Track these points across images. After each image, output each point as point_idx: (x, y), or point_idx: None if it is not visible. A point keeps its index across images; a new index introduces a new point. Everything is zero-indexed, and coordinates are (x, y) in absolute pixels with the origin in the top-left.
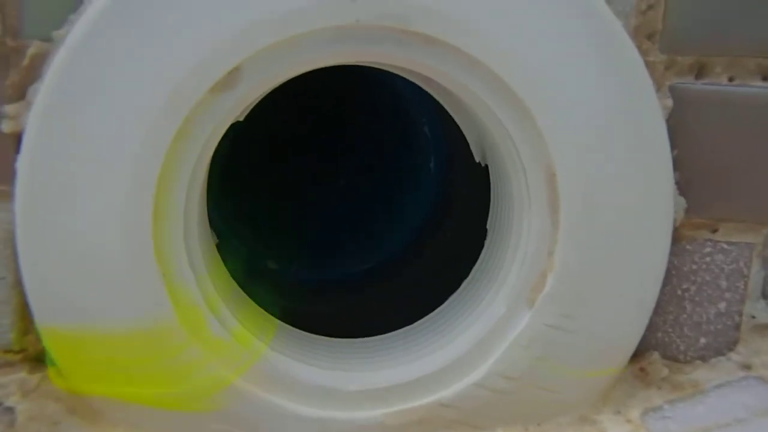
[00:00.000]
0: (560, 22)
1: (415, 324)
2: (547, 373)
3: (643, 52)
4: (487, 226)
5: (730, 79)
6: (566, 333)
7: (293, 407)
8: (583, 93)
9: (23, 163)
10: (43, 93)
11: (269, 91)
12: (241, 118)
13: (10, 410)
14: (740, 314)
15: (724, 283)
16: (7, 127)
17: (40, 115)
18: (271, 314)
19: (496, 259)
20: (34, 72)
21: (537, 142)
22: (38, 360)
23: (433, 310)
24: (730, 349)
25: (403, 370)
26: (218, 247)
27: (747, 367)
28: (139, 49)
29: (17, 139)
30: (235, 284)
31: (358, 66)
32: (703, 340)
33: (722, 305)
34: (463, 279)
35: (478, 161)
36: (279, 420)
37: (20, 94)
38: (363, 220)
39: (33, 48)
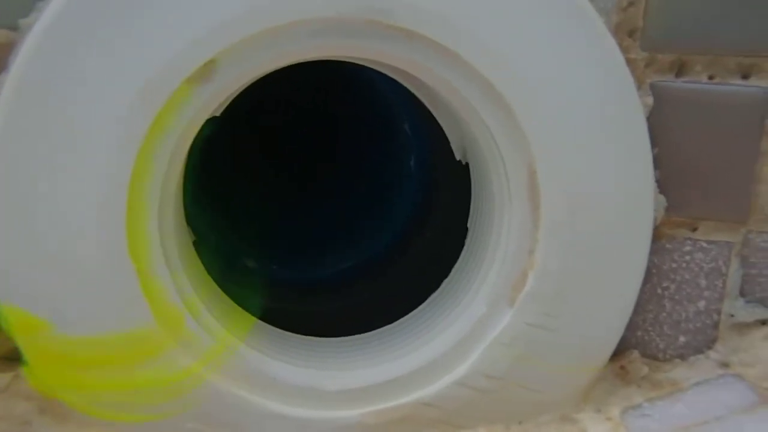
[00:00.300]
0: (543, 20)
1: (396, 323)
2: (528, 371)
3: (624, 50)
4: (468, 225)
5: (711, 78)
6: (547, 331)
7: (271, 406)
8: (564, 90)
9: None
10: (8, 84)
11: (246, 85)
12: (218, 113)
13: None
14: (719, 313)
15: (703, 282)
16: None
17: (7, 107)
18: (250, 313)
19: (476, 257)
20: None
21: (518, 140)
22: (9, 359)
23: (414, 309)
24: (709, 348)
25: (383, 369)
26: (196, 244)
27: (725, 365)
28: (111, 39)
29: None
30: (212, 282)
31: (338, 62)
32: (682, 339)
33: (701, 304)
34: (444, 278)
35: (459, 159)
36: (256, 419)
37: None
38: (343, 218)
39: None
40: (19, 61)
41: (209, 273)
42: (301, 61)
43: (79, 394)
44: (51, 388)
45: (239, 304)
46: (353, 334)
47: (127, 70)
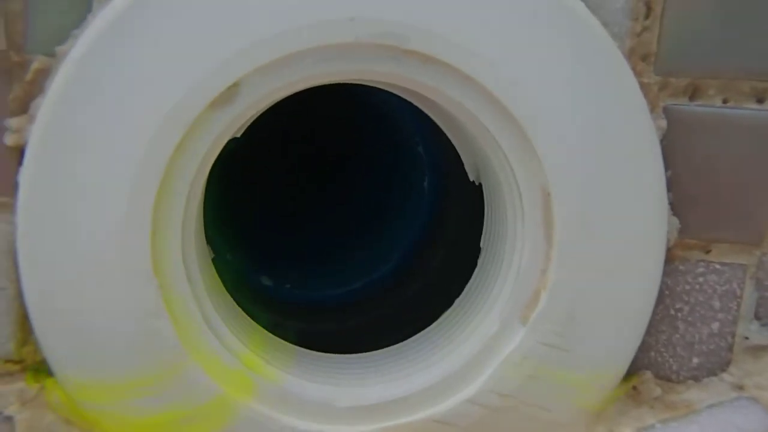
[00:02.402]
0: (557, 45)
1: (408, 340)
2: (540, 390)
3: (638, 74)
4: (481, 245)
5: (724, 101)
6: (559, 351)
7: (285, 421)
8: (578, 113)
9: (25, 176)
10: (45, 107)
11: (266, 108)
12: (239, 135)
13: (9, 419)
14: (733, 335)
15: (717, 304)
16: (10, 140)
17: (42, 129)
18: (264, 329)
19: (489, 276)
20: (37, 86)
21: (532, 162)
22: (37, 370)
23: (427, 327)
24: (723, 370)
25: (395, 386)
26: (214, 261)
27: (740, 387)
28: (140, 65)
29: (20, 152)
30: (229, 298)
31: (353, 84)
32: (695, 360)
33: (715, 326)
34: (456, 296)
35: (472, 180)
36: None
37: (23, 108)
38: (358, 238)
39: (36, 63)
40: (55, 85)
41: (226, 290)
42: (320, 84)
43: (101, 408)
44: (74, 400)
45: (255, 321)
46: (365, 351)
47: (154, 95)
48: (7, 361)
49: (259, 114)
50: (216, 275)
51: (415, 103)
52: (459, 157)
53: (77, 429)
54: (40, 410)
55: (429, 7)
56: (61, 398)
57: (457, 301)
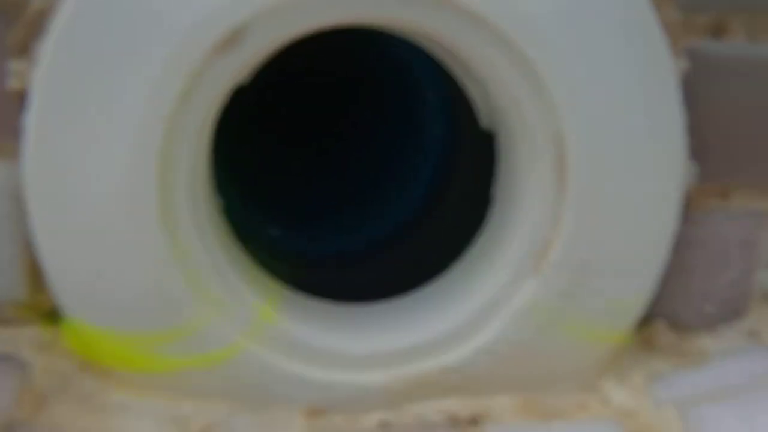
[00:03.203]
0: None
1: (421, 290)
2: (551, 339)
3: (659, 11)
4: (493, 194)
5: (750, 40)
6: (572, 300)
7: (298, 369)
8: (593, 54)
9: (31, 121)
10: (47, 50)
11: (274, 52)
12: (246, 81)
13: (25, 364)
14: (749, 283)
15: (734, 252)
16: (13, 83)
17: (46, 72)
18: (276, 280)
19: (501, 226)
20: (37, 27)
21: (545, 106)
22: (52, 316)
23: (439, 276)
24: (738, 318)
25: (407, 334)
26: (223, 209)
27: (755, 335)
28: (140, 8)
29: (22, 96)
30: (238, 248)
31: (362, 29)
32: (710, 309)
33: (731, 273)
34: (468, 246)
35: (484, 127)
36: (284, 381)
37: (25, 49)
38: (368, 187)
39: (37, 2)
40: (57, 26)
41: (235, 239)
42: (330, 27)
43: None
44: (88, 348)
45: (265, 271)
46: (378, 301)
47: (158, 37)
48: (21, 306)
49: (266, 59)
50: (225, 225)
51: (427, 47)
52: (470, 104)
53: (91, 374)
54: (55, 355)
55: None
56: (75, 344)
57: (469, 251)
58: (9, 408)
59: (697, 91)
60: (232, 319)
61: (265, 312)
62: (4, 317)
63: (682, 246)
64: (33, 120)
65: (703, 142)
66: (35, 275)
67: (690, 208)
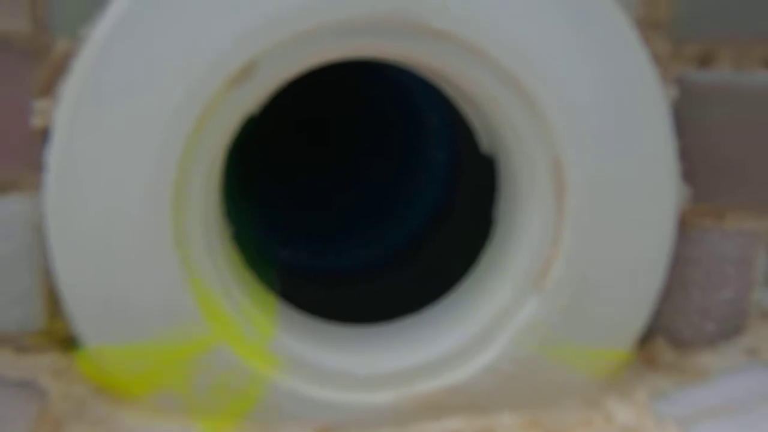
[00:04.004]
0: (566, 16)
1: (425, 310)
2: (553, 357)
3: (648, 43)
4: (495, 215)
5: (736, 69)
6: (573, 318)
7: (307, 389)
8: (588, 83)
9: (53, 156)
10: (70, 88)
11: (283, 84)
12: (257, 112)
13: (42, 390)
14: (746, 301)
15: (730, 270)
16: (36, 121)
17: (68, 110)
18: (282, 300)
19: (503, 246)
20: (62, 68)
21: (543, 132)
22: (68, 343)
23: (443, 297)
24: (737, 335)
25: (413, 354)
26: (233, 235)
27: (753, 352)
28: (159, 45)
29: (45, 132)
30: (248, 271)
31: (368, 60)
32: (709, 326)
33: (728, 292)
34: (471, 267)
35: (485, 151)
36: (293, 401)
37: (49, 89)
38: (373, 210)
39: (61, 44)
40: (79, 66)
41: (244, 262)
42: (336, 60)
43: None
44: (103, 373)
45: (272, 293)
46: (382, 322)
47: (174, 73)
48: (39, 333)
49: (276, 90)
50: (234, 248)
51: (428, 76)
52: (472, 129)
53: (106, 399)
54: (71, 381)
55: None
56: (91, 369)
57: (472, 272)
58: None
59: (687, 118)
60: (242, 340)
61: (273, 333)
62: (23, 345)
63: (680, 264)
64: (54, 155)
65: (694, 166)
66: (53, 304)
67: (685, 228)
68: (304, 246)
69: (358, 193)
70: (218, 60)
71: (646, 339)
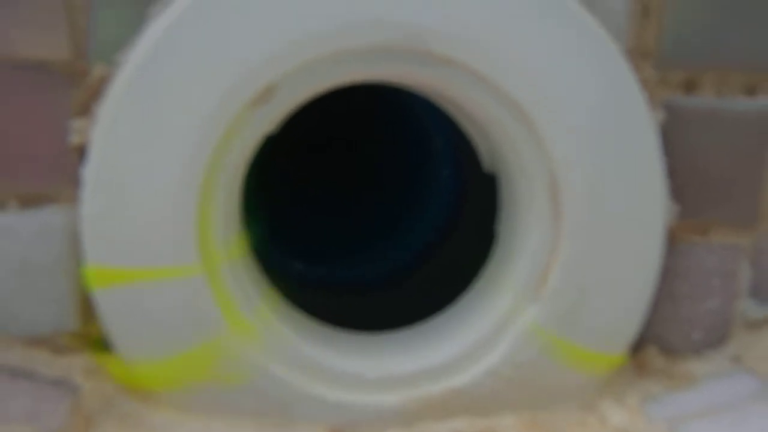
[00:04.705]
0: (563, 45)
1: (431, 319)
2: (552, 361)
3: (638, 70)
4: (496, 230)
5: (718, 95)
6: (570, 323)
7: (320, 390)
8: (583, 107)
9: (89, 171)
10: (106, 108)
11: (300, 106)
12: (275, 131)
13: (75, 387)
14: (731, 311)
15: (716, 282)
16: (74, 139)
17: (104, 129)
18: (298, 309)
19: (504, 259)
20: (98, 90)
21: (541, 152)
22: (99, 344)
23: (448, 307)
24: (722, 344)
25: (419, 359)
26: (250, 245)
27: (738, 359)
28: (188, 69)
29: (82, 150)
30: (264, 281)
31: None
32: (697, 335)
33: (714, 302)
34: (475, 278)
35: (487, 170)
36: (306, 402)
37: (86, 110)
38: (382, 225)
39: (97, 69)
40: (114, 90)
41: (262, 273)
42: (350, 83)
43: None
44: (129, 374)
45: (289, 301)
46: (392, 329)
47: (200, 95)
48: (73, 335)
49: (293, 111)
50: (254, 258)
51: (435, 99)
52: (474, 149)
53: (134, 398)
54: (101, 379)
55: (449, 14)
56: (119, 369)
57: (476, 282)
58: (61, 427)
59: (674, 139)
60: (260, 343)
61: (289, 337)
62: (58, 346)
63: (668, 277)
64: (90, 170)
65: (681, 184)
66: (86, 308)
67: (673, 242)
68: (319, 259)
69: (367, 211)
70: (241, 83)
71: (638, 347)
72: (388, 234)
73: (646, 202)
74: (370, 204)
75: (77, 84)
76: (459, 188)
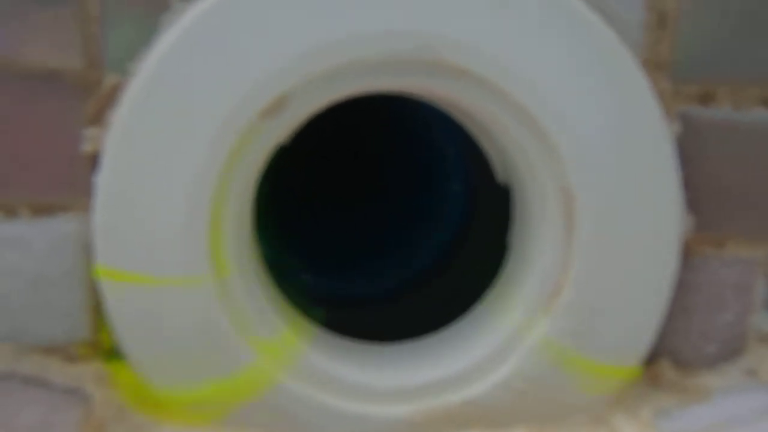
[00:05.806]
0: (578, 56)
1: (443, 330)
2: (563, 375)
3: (653, 82)
4: (509, 242)
5: (734, 107)
6: (582, 338)
7: (332, 402)
8: (597, 120)
9: (102, 180)
10: (119, 117)
11: (311, 117)
12: (287, 142)
13: (87, 396)
14: (746, 324)
15: (730, 296)
16: (87, 148)
17: (116, 137)
18: (310, 321)
19: (517, 270)
20: (111, 99)
21: (555, 165)
22: (111, 354)
23: (460, 319)
24: (737, 357)
25: (431, 371)
26: (261, 256)
27: (752, 373)
28: (199, 79)
29: (95, 158)
30: (276, 292)
31: (388, 94)
32: (711, 349)
33: (729, 316)
34: (487, 290)
35: (500, 182)
36: (318, 414)
37: (99, 119)
38: (394, 237)
39: (111, 79)
40: (127, 99)
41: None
42: (361, 94)
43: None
44: (139, 382)
45: (301, 313)
46: (404, 341)
47: (211, 105)
48: (85, 344)
49: (304, 122)
50: (265, 270)
51: (448, 110)
52: (488, 161)
53: (144, 406)
54: (113, 388)
55: (461, 24)
56: (130, 380)
57: (488, 295)
58: None
59: (689, 151)
60: (272, 355)
61: (301, 349)
62: (71, 355)
63: (682, 290)
64: (103, 179)
65: (697, 196)
66: (98, 318)
67: (688, 255)
68: (329, 272)
69: (379, 222)
70: (253, 93)
71: (651, 360)
72: (401, 245)
73: (661, 215)
74: (380, 215)
75: (90, 94)
76: (471, 199)
